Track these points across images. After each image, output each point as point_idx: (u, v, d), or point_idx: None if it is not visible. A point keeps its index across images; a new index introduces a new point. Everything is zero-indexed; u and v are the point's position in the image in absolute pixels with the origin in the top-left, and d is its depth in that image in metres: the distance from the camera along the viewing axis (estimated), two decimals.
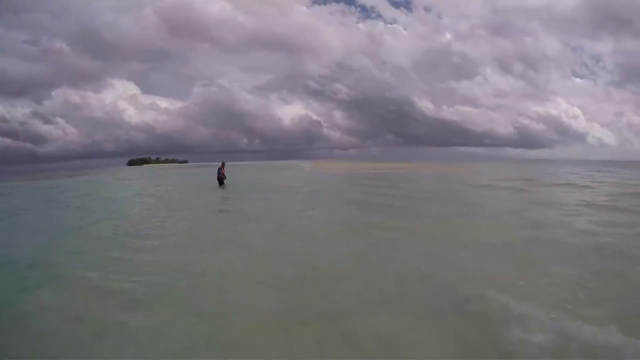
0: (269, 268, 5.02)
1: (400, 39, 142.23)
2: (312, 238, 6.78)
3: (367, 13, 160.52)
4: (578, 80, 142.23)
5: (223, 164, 17.98)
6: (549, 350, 2.84)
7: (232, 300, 3.97)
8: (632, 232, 6.83)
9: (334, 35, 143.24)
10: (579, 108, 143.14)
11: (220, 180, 17.49)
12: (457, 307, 3.62)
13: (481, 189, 15.79)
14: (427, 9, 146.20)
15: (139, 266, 5.22)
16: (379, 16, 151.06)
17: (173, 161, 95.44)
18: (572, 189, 15.05)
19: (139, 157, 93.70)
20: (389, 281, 4.41)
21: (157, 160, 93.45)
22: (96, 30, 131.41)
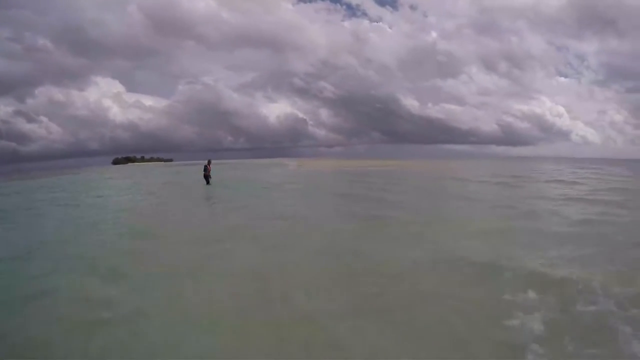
0: (270, 265, 4.99)
1: (385, 37, 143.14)
2: (315, 234, 6.74)
3: (352, 11, 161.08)
4: (562, 79, 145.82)
5: (209, 162, 17.79)
6: None
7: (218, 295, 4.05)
8: (619, 221, 7.42)
9: (320, 33, 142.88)
10: (563, 106, 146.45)
11: (207, 178, 17.20)
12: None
13: (477, 185, 15.91)
14: (412, 8, 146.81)
15: (150, 256, 5.59)
16: (365, 14, 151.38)
17: (158, 160, 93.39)
18: (562, 185, 15.28)
19: (124, 156, 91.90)
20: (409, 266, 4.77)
21: (142, 159, 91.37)
22: (80, 27, 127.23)
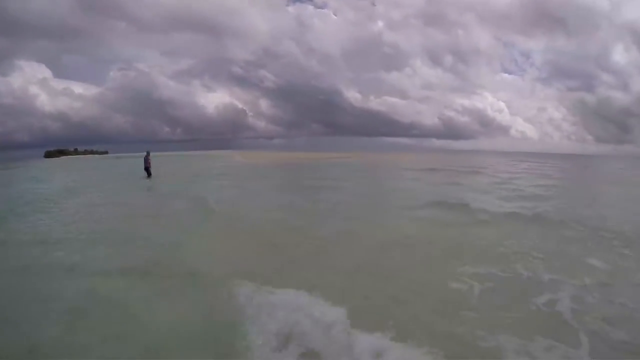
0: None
1: (330, 24, 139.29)
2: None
3: None
4: (506, 75, 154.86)
5: (148, 154, 16.23)
6: None
7: None
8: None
9: (261, 17, 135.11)
10: (504, 102, 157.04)
11: (147, 170, 15.76)
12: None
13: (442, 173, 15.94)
14: None
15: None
16: None
17: (92, 152, 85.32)
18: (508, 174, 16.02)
19: (57, 149, 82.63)
20: None
21: (76, 152, 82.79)
22: (1, 4, 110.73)
